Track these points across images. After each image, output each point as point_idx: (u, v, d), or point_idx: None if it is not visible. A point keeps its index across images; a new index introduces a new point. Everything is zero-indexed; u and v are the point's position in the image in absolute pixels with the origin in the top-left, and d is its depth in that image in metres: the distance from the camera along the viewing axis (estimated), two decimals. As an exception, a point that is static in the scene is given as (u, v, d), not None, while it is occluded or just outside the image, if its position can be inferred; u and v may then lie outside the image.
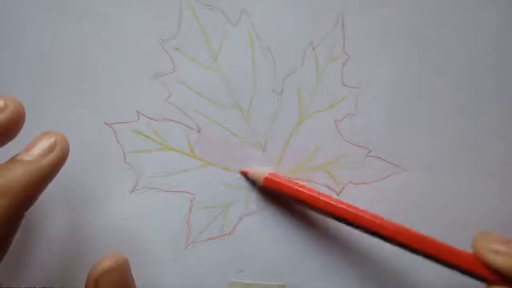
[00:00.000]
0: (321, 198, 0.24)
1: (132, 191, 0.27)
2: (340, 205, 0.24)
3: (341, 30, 0.27)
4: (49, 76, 0.26)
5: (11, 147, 0.22)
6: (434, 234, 0.27)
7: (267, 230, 0.27)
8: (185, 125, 0.27)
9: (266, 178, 0.26)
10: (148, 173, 0.27)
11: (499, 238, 0.22)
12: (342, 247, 0.27)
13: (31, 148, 0.21)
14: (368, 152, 0.27)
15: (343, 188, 0.27)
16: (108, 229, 0.27)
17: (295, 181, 0.26)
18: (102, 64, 0.27)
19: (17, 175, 0.20)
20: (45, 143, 0.21)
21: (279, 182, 0.26)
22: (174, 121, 0.27)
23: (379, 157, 0.27)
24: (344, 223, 0.24)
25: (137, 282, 0.26)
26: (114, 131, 0.27)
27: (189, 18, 0.27)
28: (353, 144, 0.27)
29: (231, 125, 0.27)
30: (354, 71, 0.27)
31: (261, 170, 0.26)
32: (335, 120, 0.27)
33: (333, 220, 0.25)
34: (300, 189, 0.25)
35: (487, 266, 0.22)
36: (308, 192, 0.25)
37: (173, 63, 0.27)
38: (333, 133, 0.27)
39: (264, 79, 0.27)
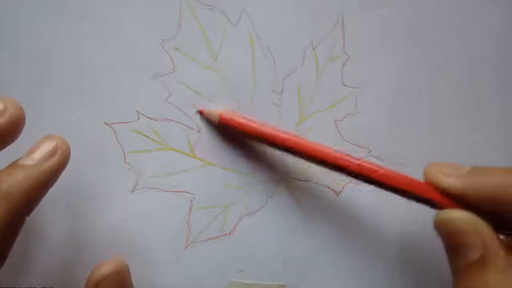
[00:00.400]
0: (272, 132, 0.24)
1: (132, 191, 0.27)
2: (290, 137, 0.24)
3: (341, 30, 0.27)
4: (49, 76, 0.26)
5: (11, 149, 0.22)
6: (433, 234, 0.27)
7: (267, 230, 0.27)
8: (185, 125, 0.27)
9: (220, 115, 0.26)
10: (148, 173, 0.27)
11: (449, 164, 0.22)
12: (342, 247, 0.27)
13: (32, 152, 0.21)
14: (368, 152, 0.27)
15: (343, 188, 0.27)
16: (108, 229, 0.27)
17: (248, 118, 0.26)
18: (102, 64, 0.27)
19: (18, 179, 0.20)
20: (46, 148, 0.21)
21: (232, 119, 0.25)
22: (174, 121, 0.27)
23: (379, 157, 0.27)
24: (301, 157, 0.24)
25: (137, 282, 0.26)
26: (114, 131, 0.27)
27: (189, 18, 0.27)
28: (353, 144, 0.27)
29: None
30: (354, 71, 0.27)
31: (216, 109, 0.26)
32: (335, 120, 0.27)
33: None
34: (255, 125, 0.25)
35: (438, 189, 0.22)
36: (261, 127, 0.25)
37: (173, 63, 0.27)
38: (333, 133, 0.27)
39: (264, 79, 0.27)
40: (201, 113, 0.27)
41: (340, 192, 0.27)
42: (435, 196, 0.22)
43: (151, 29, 0.27)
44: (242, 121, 0.25)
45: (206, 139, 0.27)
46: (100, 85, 0.27)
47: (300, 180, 0.27)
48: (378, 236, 0.27)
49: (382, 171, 0.23)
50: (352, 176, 0.24)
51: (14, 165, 0.21)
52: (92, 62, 0.27)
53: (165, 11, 0.27)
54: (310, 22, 0.27)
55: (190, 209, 0.27)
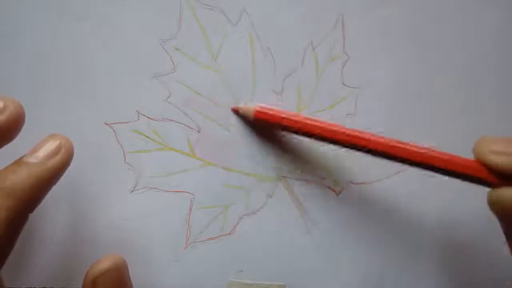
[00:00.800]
0: (312, 122, 0.24)
1: (132, 191, 0.27)
2: (333, 128, 0.24)
3: (341, 30, 0.27)
4: (49, 76, 0.26)
5: (11, 147, 0.22)
6: (434, 234, 0.27)
7: (267, 230, 0.27)
8: (185, 125, 0.27)
9: (256, 110, 0.26)
10: (148, 173, 0.27)
11: (499, 139, 0.21)
12: (342, 247, 0.27)
13: (36, 150, 0.21)
14: (368, 152, 0.27)
15: (343, 188, 0.27)
16: (108, 229, 0.27)
17: (286, 111, 0.26)
18: (102, 64, 0.27)
19: (22, 177, 0.20)
20: (50, 146, 0.21)
21: (268, 113, 0.25)
22: (174, 121, 0.27)
23: (379, 157, 0.27)
24: (345, 147, 0.24)
25: (137, 282, 0.26)
26: (114, 131, 0.27)
27: (189, 18, 0.27)
28: (353, 144, 0.27)
29: (231, 125, 0.27)
30: (354, 71, 0.27)
31: (251, 104, 0.26)
32: (335, 120, 0.27)
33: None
34: (292, 117, 0.25)
35: (489, 169, 0.21)
36: (297, 118, 0.25)
37: (173, 63, 0.27)
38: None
39: (264, 79, 0.27)
40: (236, 111, 0.27)
41: (340, 192, 0.27)
42: (486, 176, 0.21)
43: (151, 29, 0.27)
44: (283, 115, 0.25)
45: (206, 139, 0.27)
46: (100, 85, 0.27)
47: (300, 180, 0.27)
48: (378, 235, 0.27)
49: (428, 153, 0.22)
50: (398, 162, 0.23)
51: (18, 162, 0.21)
52: (92, 62, 0.27)
53: (165, 11, 0.27)
54: (310, 22, 0.27)
55: (190, 209, 0.27)
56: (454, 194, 0.27)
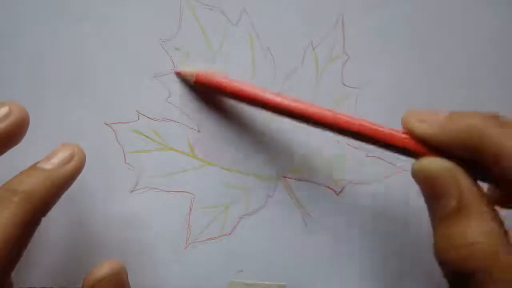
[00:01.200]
0: (254, 91, 0.24)
1: (132, 191, 0.27)
2: (268, 96, 0.24)
3: (341, 30, 0.27)
4: (49, 76, 0.26)
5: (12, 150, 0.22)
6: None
7: (267, 230, 0.27)
8: (185, 125, 0.27)
9: (198, 74, 0.26)
10: (148, 173, 0.27)
11: (425, 109, 0.21)
12: (342, 247, 0.27)
13: (51, 157, 0.22)
14: (368, 152, 0.27)
15: (343, 188, 0.27)
16: (108, 229, 0.27)
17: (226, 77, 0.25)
18: (102, 64, 0.27)
19: (37, 182, 0.21)
20: (64, 154, 0.22)
21: (210, 79, 0.25)
22: (174, 121, 0.27)
23: (379, 157, 0.27)
24: (281, 114, 0.24)
25: (137, 282, 0.26)
26: (114, 131, 0.27)
27: (189, 18, 0.27)
28: (353, 144, 0.27)
29: (231, 125, 0.27)
30: (354, 71, 0.27)
31: (192, 70, 0.26)
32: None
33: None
34: (235, 83, 0.25)
35: (415, 137, 0.21)
36: (241, 86, 0.24)
37: (173, 63, 0.27)
38: (333, 133, 0.27)
39: (264, 79, 0.27)
40: (177, 74, 0.26)
41: (340, 192, 0.27)
42: (411, 145, 0.21)
43: (151, 29, 0.27)
44: (221, 80, 0.25)
45: (206, 139, 0.27)
46: (100, 85, 0.27)
47: (300, 180, 0.27)
48: (378, 235, 0.27)
49: (358, 123, 0.22)
50: (329, 129, 0.23)
51: (33, 167, 0.22)
52: (92, 62, 0.27)
53: (165, 11, 0.27)
54: (310, 22, 0.27)
55: (190, 209, 0.27)
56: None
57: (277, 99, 0.24)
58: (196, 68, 0.26)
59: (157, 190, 0.27)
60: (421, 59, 0.27)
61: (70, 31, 0.26)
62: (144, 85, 0.27)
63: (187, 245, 0.27)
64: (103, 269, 0.21)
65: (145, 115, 0.27)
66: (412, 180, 0.27)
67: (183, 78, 0.26)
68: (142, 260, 0.27)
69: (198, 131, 0.27)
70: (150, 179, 0.27)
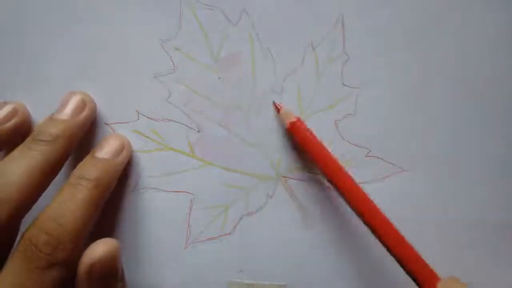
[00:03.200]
0: (329, 162, 0.25)
1: (132, 191, 0.27)
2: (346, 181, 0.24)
3: (341, 30, 0.27)
4: (49, 76, 0.26)
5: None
6: (433, 234, 0.27)
7: (267, 230, 0.27)
8: (185, 125, 0.27)
9: (291, 122, 0.26)
10: (148, 173, 0.27)
11: None
12: (343, 247, 0.27)
13: (105, 147, 0.25)
14: (368, 152, 0.27)
15: (343, 188, 0.27)
16: (108, 229, 0.27)
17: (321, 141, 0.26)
18: (102, 64, 0.27)
19: (102, 170, 0.24)
20: (116, 144, 0.26)
21: (303, 130, 0.25)
22: (174, 121, 0.27)
23: (379, 157, 0.27)
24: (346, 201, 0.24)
25: (137, 281, 0.26)
26: (114, 131, 0.27)
27: (189, 18, 0.27)
28: (353, 144, 0.27)
29: (231, 125, 0.27)
30: (354, 71, 0.27)
31: (291, 112, 0.26)
32: (335, 120, 0.27)
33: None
34: (324, 152, 0.25)
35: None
36: (321, 152, 0.25)
37: (173, 63, 0.27)
38: (333, 133, 0.27)
39: (264, 79, 0.27)
40: (278, 110, 0.27)
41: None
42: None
43: (151, 29, 0.27)
44: (313, 143, 0.25)
45: (206, 139, 0.27)
46: (100, 85, 0.27)
47: (300, 180, 0.27)
48: (378, 236, 0.27)
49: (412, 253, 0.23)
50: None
51: (95, 157, 0.24)
52: (92, 62, 0.27)
53: (165, 11, 0.27)
54: (310, 22, 0.27)
55: (190, 209, 0.27)
56: (454, 194, 0.27)
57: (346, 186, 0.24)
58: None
59: (157, 190, 0.27)
60: (421, 59, 0.27)
61: (70, 31, 0.26)
62: (144, 85, 0.27)
63: (187, 245, 0.27)
64: (98, 251, 0.22)
65: (145, 115, 0.27)
66: (412, 180, 0.27)
67: (279, 117, 0.26)
68: (142, 260, 0.27)
69: (198, 131, 0.27)
70: (150, 179, 0.27)
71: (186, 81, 0.27)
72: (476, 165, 0.27)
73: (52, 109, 0.26)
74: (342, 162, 0.26)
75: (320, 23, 0.27)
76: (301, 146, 0.26)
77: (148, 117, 0.27)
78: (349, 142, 0.27)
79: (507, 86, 0.27)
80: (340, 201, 0.27)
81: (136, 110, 0.27)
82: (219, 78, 0.27)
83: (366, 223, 0.24)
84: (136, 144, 0.27)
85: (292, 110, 0.26)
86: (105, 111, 0.27)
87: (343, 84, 0.27)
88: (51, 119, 0.24)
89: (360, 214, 0.24)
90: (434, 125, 0.27)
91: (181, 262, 0.27)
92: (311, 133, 0.25)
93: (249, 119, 0.27)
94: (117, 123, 0.27)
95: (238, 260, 0.27)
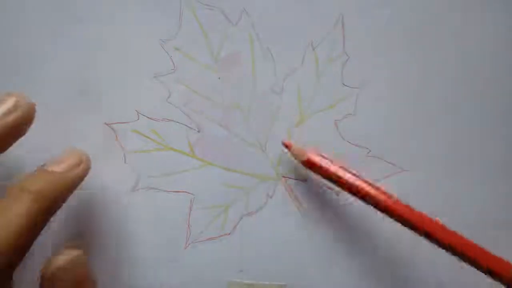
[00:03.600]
0: (357, 184, 0.24)
1: (132, 191, 0.27)
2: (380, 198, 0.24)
3: (341, 30, 0.27)
4: (50, 76, 0.26)
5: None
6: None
7: (267, 230, 0.27)
8: (185, 125, 0.27)
9: (308, 159, 0.25)
10: (148, 173, 0.27)
11: None
12: (343, 247, 0.27)
13: (60, 161, 0.23)
14: (368, 152, 0.27)
15: (343, 188, 0.27)
16: (108, 229, 0.27)
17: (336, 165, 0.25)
18: (102, 64, 0.27)
19: (49, 183, 0.22)
20: (73, 159, 0.24)
21: (318, 166, 0.25)
22: (174, 121, 0.27)
23: (379, 157, 0.27)
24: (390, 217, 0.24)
25: (137, 282, 0.26)
26: (114, 131, 0.27)
27: (189, 18, 0.27)
28: (353, 144, 0.27)
29: (231, 125, 0.27)
30: (354, 71, 0.27)
31: (302, 148, 0.26)
32: (335, 120, 0.27)
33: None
34: (349, 178, 0.25)
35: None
36: (346, 178, 0.25)
37: (173, 63, 0.27)
38: (333, 133, 0.27)
39: (264, 79, 0.27)
40: (287, 146, 0.26)
41: (340, 192, 0.27)
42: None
43: (151, 29, 0.27)
44: (336, 171, 0.25)
45: (206, 139, 0.27)
46: (100, 85, 0.27)
47: (300, 180, 0.27)
48: (378, 236, 0.27)
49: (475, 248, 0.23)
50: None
51: (43, 170, 0.23)
52: (92, 62, 0.27)
53: (165, 11, 0.27)
54: (310, 22, 0.27)
55: (190, 209, 0.27)
56: (454, 194, 0.27)
57: (388, 203, 0.24)
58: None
59: (157, 190, 0.27)
60: (421, 59, 0.27)
61: (70, 31, 0.26)
62: (144, 85, 0.27)
63: (187, 245, 0.27)
64: (62, 258, 0.22)
65: (145, 115, 0.27)
66: (412, 180, 0.27)
67: (291, 154, 0.26)
68: (142, 260, 0.27)
69: (198, 131, 0.27)
70: (150, 179, 0.27)
71: (186, 81, 0.27)
72: (476, 165, 0.27)
73: (52, 109, 0.26)
74: (341, 162, 0.26)
75: (320, 23, 0.27)
76: (324, 177, 0.25)
77: (148, 117, 0.27)
78: (349, 142, 0.27)
79: (507, 86, 0.27)
80: (340, 201, 0.27)
81: (136, 110, 0.27)
82: (219, 78, 0.27)
83: (432, 238, 0.23)
84: (136, 144, 0.27)
85: (302, 148, 0.26)
86: (105, 111, 0.27)
87: (343, 84, 0.27)
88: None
89: (423, 232, 0.24)
90: (434, 125, 0.27)
91: (181, 262, 0.27)
92: (327, 164, 0.25)
93: (249, 119, 0.27)
94: (117, 123, 0.27)
95: (238, 260, 0.27)
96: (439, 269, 0.27)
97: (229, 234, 0.27)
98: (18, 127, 0.23)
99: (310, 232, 0.27)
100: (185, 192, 0.27)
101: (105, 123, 0.27)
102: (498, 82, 0.27)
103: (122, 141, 0.27)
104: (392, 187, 0.27)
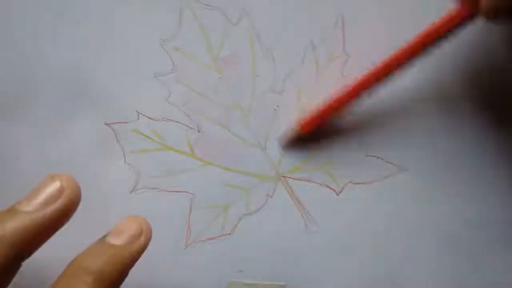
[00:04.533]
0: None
1: (132, 191, 0.27)
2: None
3: (341, 30, 0.27)
4: (50, 76, 0.26)
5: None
6: (433, 234, 0.27)
7: (267, 230, 0.27)
8: (185, 125, 0.27)
9: (301, 124, 0.26)
10: (148, 173, 0.27)
11: None
12: (342, 247, 0.27)
13: (120, 232, 0.21)
14: (368, 152, 0.27)
15: (343, 188, 0.27)
16: (107, 229, 0.27)
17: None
18: (102, 64, 0.27)
19: (109, 260, 0.20)
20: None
21: (314, 116, 0.26)
22: (174, 121, 0.27)
23: (379, 157, 0.27)
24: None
25: (137, 281, 0.26)
26: (114, 131, 0.27)
27: (189, 18, 0.27)
28: (353, 144, 0.27)
29: (231, 125, 0.27)
30: (354, 71, 0.27)
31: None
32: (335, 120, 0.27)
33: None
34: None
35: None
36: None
37: (173, 63, 0.27)
38: (333, 133, 0.27)
39: (264, 79, 0.27)
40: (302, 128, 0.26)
41: (340, 192, 0.27)
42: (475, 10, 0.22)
43: (151, 29, 0.27)
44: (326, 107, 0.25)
45: (206, 139, 0.27)
46: (100, 85, 0.27)
47: (300, 180, 0.27)
48: (378, 235, 0.27)
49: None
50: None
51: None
52: (92, 62, 0.27)
53: (165, 11, 0.27)
54: (310, 22, 0.27)
55: (190, 209, 0.27)
56: (454, 194, 0.27)
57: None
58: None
59: (157, 190, 0.27)
60: (420, 59, 0.27)
61: (70, 31, 0.26)
62: (144, 85, 0.27)
63: (187, 245, 0.27)
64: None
65: (145, 115, 0.27)
66: (413, 180, 0.27)
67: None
68: (142, 260, 0.27)
69: (198, 131, 0.27)
70: (150, 179, 0.27)
71: (186, 81, 0.27)
72: (476, 165, 0.27)
73: (51, 109, 0.26)
74: (342, 162, 0.26)
75: (320, 23, 0.27)
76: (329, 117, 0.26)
77: (148, 117, 0.27)
78: (349, 142, 0.27)
79: (507, 85, 0.27)
80: (340, 200, 0.27)
81: (136, 110, 0.27)
82: (219, 78, 0.27)
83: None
84: (136, 144, 0.27)
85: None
86: (105, 111, 0.27)
87: (343, 84, 0.27)
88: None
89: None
90: (434, 125, 0.27)
91: (181, 262, 0.27)
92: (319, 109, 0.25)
93: (249, 119, 0.27)
94: (117, 123, 0.27)
95: (238, 260, 0.27)
96: (439, 269, 0.27)
97: (229, 234, 0.27)
98: (59, 220, 0.20)
99: (309, 232, 0.27)
100: (185, 192, 0.27)
101: (105, 123, 0.27)
102: (498, 81, 0.27)
103: (122, 141, 0.27)
104: (392, 187, 0.27)
